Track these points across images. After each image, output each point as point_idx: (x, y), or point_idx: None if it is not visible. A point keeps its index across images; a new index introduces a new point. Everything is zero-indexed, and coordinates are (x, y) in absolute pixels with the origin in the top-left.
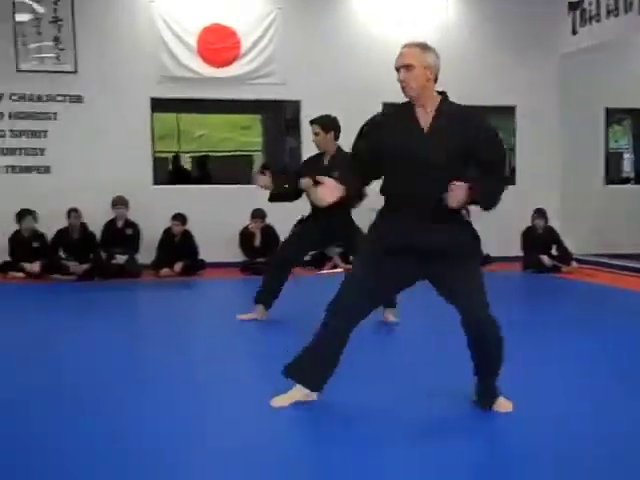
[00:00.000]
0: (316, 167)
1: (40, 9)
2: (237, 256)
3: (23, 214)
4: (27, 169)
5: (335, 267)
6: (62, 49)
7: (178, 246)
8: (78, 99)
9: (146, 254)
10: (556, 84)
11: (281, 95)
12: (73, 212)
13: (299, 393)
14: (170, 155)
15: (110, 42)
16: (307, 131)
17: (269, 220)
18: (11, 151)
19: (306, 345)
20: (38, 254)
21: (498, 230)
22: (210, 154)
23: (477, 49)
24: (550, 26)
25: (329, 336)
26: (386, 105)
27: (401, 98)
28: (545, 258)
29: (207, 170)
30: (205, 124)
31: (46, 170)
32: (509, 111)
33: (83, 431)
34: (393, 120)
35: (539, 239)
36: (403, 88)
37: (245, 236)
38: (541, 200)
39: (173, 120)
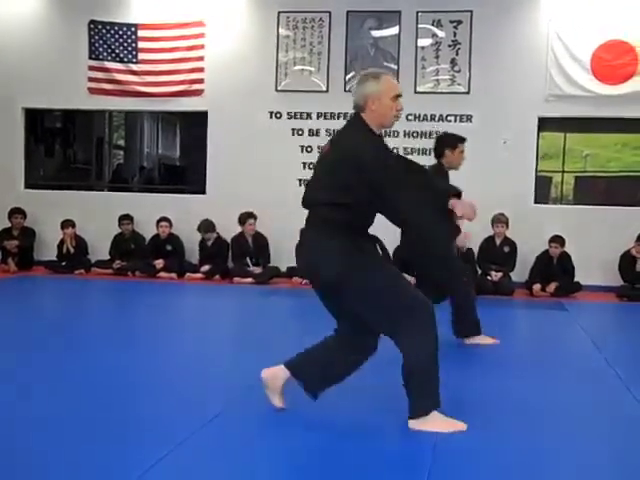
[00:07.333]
0: None
1: (441, 34)
2: (615, 281)
3: None
4: None
5: None
6: (457, 71)
7: (554, 267)
8: (468, 119)
9: (520, 272)
10: None
11: None
12: None
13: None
14: (553, 174)
15: (501, 62)
16: None
17: None
18: None
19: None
20: None
21: None
22: (596, 174)
23: None
24: None
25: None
26: None
27: None
28: None
29: (589, 190)
30: (592, 144)
31: None
32: None
33: None
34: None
35: None
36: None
37: (626, 260)
38: None
39: (559, 139)
